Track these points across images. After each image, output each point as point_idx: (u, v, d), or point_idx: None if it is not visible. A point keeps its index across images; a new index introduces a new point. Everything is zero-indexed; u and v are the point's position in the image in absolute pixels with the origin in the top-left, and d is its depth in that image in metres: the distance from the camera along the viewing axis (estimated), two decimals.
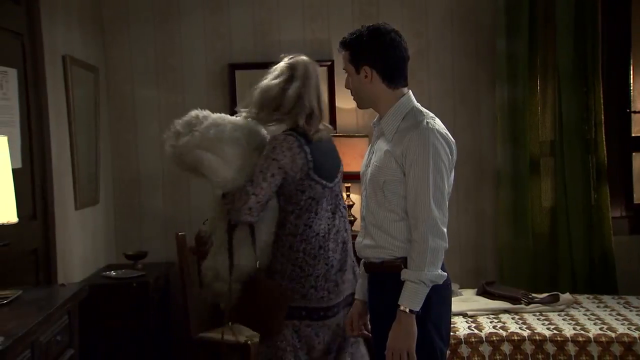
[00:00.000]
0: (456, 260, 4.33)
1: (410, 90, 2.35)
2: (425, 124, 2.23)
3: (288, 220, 2.81)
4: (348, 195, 4.27)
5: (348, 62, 2.34)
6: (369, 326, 2.46)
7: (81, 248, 3.80)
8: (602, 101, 4.22)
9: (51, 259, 3.35)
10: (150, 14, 4.39)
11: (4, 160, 2.09)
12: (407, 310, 2.16)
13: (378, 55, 2.29)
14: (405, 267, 2.22)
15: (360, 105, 2.41)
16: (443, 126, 2.29)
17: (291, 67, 2.86)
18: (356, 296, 2.51)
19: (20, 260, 3.08)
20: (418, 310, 2.17)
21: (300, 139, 2.80)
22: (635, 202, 4.45)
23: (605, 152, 4.22)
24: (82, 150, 3.83)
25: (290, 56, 2.91)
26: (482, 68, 4.42)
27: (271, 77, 2.87)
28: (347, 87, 2.40)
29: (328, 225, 2.83)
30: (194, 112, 2.92)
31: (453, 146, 2.28)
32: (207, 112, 2.95)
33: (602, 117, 4.22)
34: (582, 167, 4.24)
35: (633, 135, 4.45)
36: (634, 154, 4.45)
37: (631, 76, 4.43)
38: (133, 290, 3.73)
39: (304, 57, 2.91)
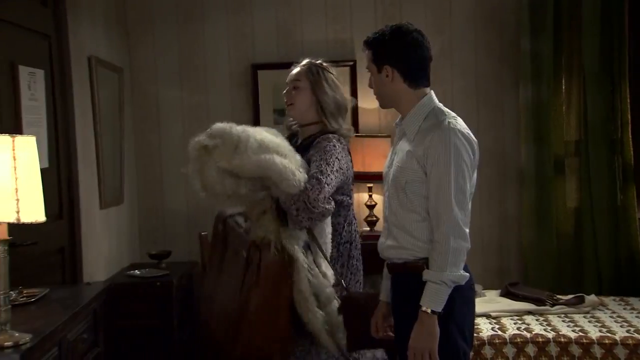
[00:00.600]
0: (479, 260, 4.30)
1: (432, 91, 2.34)
2: (446, 123, 2.22)
3: (342, 227, 2.78)
4: (370, 196, 4.27)
5: (370, 61, 2.34)
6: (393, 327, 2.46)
7: (106, 247, 3.84)
8: (628, 101, 4.16)
9: (77, 257, 3.40)
10: (174, 15, 4.42)
11: (33, 160, 2.11)
12: (429, 310, 2.16)
13: (399, 55, 2.29)
14: (428, 267, 2.21)
15: (382, 105, 2.40)
16: (465, 126, 2.28)
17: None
18: (380, 297, 2.50)
19: (47, 259, 3.13)
20: (440, 311, 2.16)
21: (344, 142, 2.81)
22: None
23: (631, 152, 4.16)
24: (107, 150, 3.87)
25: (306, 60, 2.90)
26: (506, 67, 4.38)
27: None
28: (370, 86, 2.40)
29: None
30: (220, 125, 2.66)
31: (475, 146, 2.27)
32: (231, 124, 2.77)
33: (629, 117, 4.16)
34: (608, 167, 4.19)
35: None
36: None
37: None
38: (157, 290, 3.76)
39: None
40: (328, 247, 2.69)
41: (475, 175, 2.28)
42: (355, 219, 2.90)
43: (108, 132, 3.91)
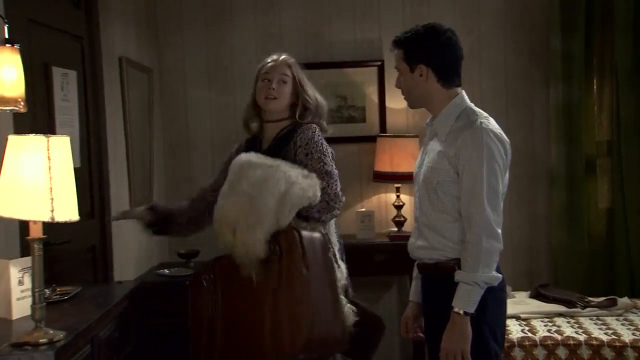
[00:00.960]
0: (508, 262, 4.25)
1: (463, 90, 2.32)
2: (478, 123, 2.21)
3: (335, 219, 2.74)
4: (398, 196, 4.25)
5: (402, 60, 2.32)
6: (423, 328, 2.45)
7: (136, 246, 3.88)
8: None
9: (107, 256, 3.44)
10: (203, 16, 4.45)
11: (67, 160, 2.14)
12: (461, 312, 2.14)
13: (434, 55, 2.28)
14: (459, 268, 2.19)
15: (411, 105, 2.39)
16: (497, 126, 2.26)
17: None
18: (410, 298, 2.49)
19: (78, 258, 3.17)
20: (472, 312, 2.14)
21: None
22: None
23: None
24: (137, 150, 3.91)
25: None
26: (536, 67, 4.34)
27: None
28: (397, 86, 2.38)
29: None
30: (219, 209, 2.50)
31: (507, 146, 2.25)
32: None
33: None
34: None
35: None
36: None
37: None
38: (185, 289, 3.77)
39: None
40: (335, 240, 2.70)
41: (507, 175, 2.27)
42: None
43: (138, 132, 3.95)
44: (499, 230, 2.19)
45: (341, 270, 2.64)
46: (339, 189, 2.57)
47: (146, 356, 3.62)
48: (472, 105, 2.32)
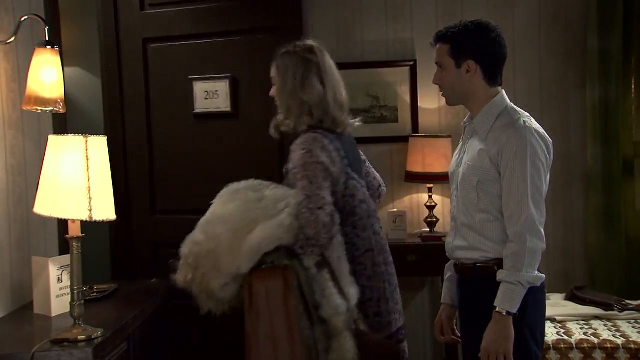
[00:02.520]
0: (543, 263, 4.15)
1: (503, 90, 2.30)
2: (522, 122, 2.19)
3: (355, 237, 2.40)
4: (430, 197, 4.23)
5: (447, 55, 2.28)
6: (457, 331, 2.43)
7: None
8: None
9: None
10: None
11: (104, 160, 2.18)
12: (504, 312, 2.12)
13: (484, 51, 2.25)
14: (499, 268, 2.17)
15: (451, 102, 2.36)
16: (539, 125, 2.24)
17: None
18: (442, 300, 2.47)
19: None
20: (515, 312, 2.12)
21: (328, 135, 2.43)
22: None
23: None
24: None
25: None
26: (572, 66, 4.27)
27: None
28: (436, 82, 2.34)
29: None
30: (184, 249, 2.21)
31: (550, 146, 2.23)
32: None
33: None
34: None
35: None
36: None
37: None
38: None
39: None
40: (343, 261, 2.29)
41: (548, 175, 2.24)
42: (375, 218, 2.51)
43: None
44: (542, 230, 2.17)
45: (345, 299, 2.21)
46: (320, 227, 2.15)
47: (182, 353, 3.66)
48: (512, 104, 2.29)
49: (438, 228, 4.24)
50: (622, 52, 4.05)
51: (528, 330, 2.19)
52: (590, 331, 3.28)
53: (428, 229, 4.22)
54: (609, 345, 3.12)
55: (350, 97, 4.31)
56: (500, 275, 2.15)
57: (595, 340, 3.15)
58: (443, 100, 4.35)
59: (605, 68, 4.08)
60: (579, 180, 4.30)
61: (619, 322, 3.42)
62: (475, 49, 2.24)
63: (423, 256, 4.09)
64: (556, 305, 3.65)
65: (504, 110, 2.25)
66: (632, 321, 3.45)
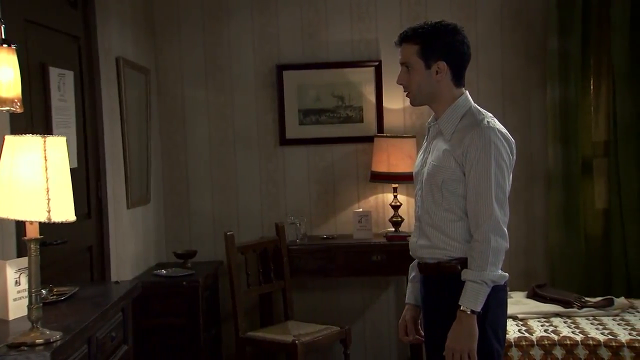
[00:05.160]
0: (505, 262, 4.23)
1: (467, 90, 2.32)
2: (485, 123, 2.21)
3: None
4: (395, 196, 4.25)
5: (416, 55, 2.25)
6: (421, 331, 2.44)
7: (133, 246, 3.88)
8: None
9: (105, 256, 3.44)
10: (200, 16, 4.45)
11: (64, 160, 2.13)
12: (469, 310, 2.14)
13: (455, 51, 2.25)
14: (462, 267, 2.19)
15: (415, 102, 2.33)
16: (502, 126, 2.26)
17: None
18: (407, 301, 2.47)
19: (75, 258, 3.17)
20: (479, 310, 2.14)
21: None
22: None
23: None
24: (134, 151, 3.91)
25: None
26: (533, 67, 4.34)
27: None
28: (400, 82, 2.32)
29: None
30: None
31: (513, 146, 2.25)
32: None
33: None
34: (637, 168, 4.13)
35: None
36: None
37: None
38: (183, 289, 3.78)
39: None
40: None
41: (511, 175, 2.26)
42: None
43: (135, 133, 3.95)
44: (505, 229, 2.19)
45: None
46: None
47: (143, 356, 3.62)
48: (476, 105, 2.31)
49: (403, 228, 4.27)
50: (580, 53, 4.13)
51: (490, 328, 2.21)
52: (551, 328, 3.33)
53: (393, 229, 4.24)
54: (568, 342, 3.17)
55: (316, 97, 4.42)
56: (465, 274, 2.17)
57: (556, 337, 3.21)
58: (408, 101, 4.39)
59: (565, 69, 4.16)
60: (540, 179, 4.37)
61: (578, 319, 3.49)
62: (446, 50, 2.25)
63: (388, 256, 4.11)
64: (518, 303, 3.71)
65: (468, 110, 2.27)
66: (591, 318, 3.52)
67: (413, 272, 2.46)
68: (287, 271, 4.07)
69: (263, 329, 3.97)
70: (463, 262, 2.21)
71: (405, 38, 2.29)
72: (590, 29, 4.16)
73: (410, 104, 2.38)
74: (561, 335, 3.23)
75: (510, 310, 3.50)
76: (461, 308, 2.15)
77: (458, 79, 2.28)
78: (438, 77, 2.26)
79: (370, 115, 4.41)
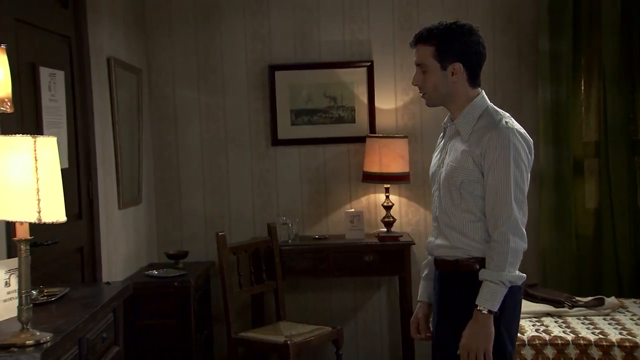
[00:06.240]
0: None
1: (483, 90, 2.31)
2: (504, 123, 2.20)
3: None
4: (387, 197, 4.26)
5: (431, 57, 2.25)
6: (431, 328, 2.44)
7: (124, 247, 3.87)
8: None
9: (96, 257, 3.42)
10: (192, 16, 4.44)
11: (54, 161, 2.13)
12: (486, 310, 2.13)
13: (472, 53, 2.25)
14: (480, 267, 2.19)
15: (432, 103, 2.32)
16: (520, 126, 2.26)
17: None
18: (419, 298, 2.47)
19: (66, 259, 3.15)
20: (496, 310, 2.14)
21: None
22: None
23: None
24: (125, 151, 3.90)
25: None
26: (525, 68, 4.35)
27: None
28: (416, 83, 2.31)
29: None
30: None
31: (531, 146, 2.25)
32: None
33: None
34: (628, 168, 4.16)
35: None
36: None
37: None
38: (174, 289, 3.78)
39: None
40: None
41: (529, 175, 2.25)
42: None
43: (126, 133, 3.94)
44: (524, 230, 2.19)
45: None
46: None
47: (135, 357, 3.61)
48: (493, 105, 2.30)
49: (395, 228, 4.27)
50: (571, 54, 4.16)
51: (505, 329, 2.21)
52: (542, 328, 3.35)
53: (385, 229, 4.25)
54: (559, 342, 3.19)
55: (308, 98, 4.42)
56: (483, 274, 2.16)
57: (547, 337, 3.22)
58: (400, 101, 4.46)
59: (556, 69, 4.18)
60: (532, 179, 4.36)
61: (569, 319, 3.50)
62: (461, 51, 2.23)
63: (380, 256, 4.12)
64: None
65: (485, 110, 2.26)
66: (582, 317, 3.53)
67: (426, 270, 2.46)
68: (279, 271, 4.07)
69: (255, 329, 3.96)
70: (481, 261, 2.20)
71: (421, 39, 2.27)
72: (580, 31, 4.18)
73: (426, 104, 2.36)
74: (552, 334, 3.24)
75: None
76: (478, 308, 2.14)
77: (474, 79, 2.27)
78: (454, 78, 2.25)
79: (362, 115, 4.41)
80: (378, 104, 4.41)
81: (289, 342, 3.58)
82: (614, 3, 4.10)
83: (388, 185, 4.25)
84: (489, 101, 2.30)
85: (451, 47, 2.23)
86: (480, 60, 2.27)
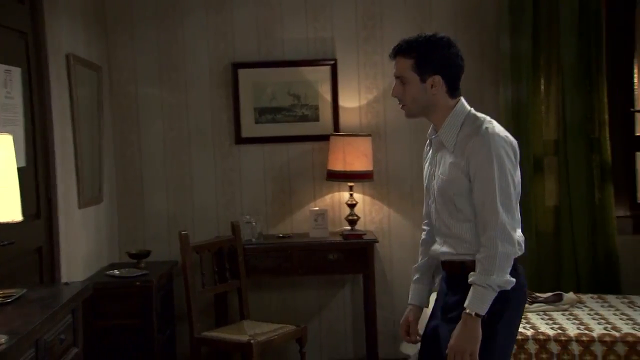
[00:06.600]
0: None
1: (462, 97, 2.33)
2: (484, 129, 2.22)
3: None
4: (351, 195, 4.27)
5: (411, 70, 2.27)
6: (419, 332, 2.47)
7: (84, 247, 3.81)
8: (606, 100, 4.21)
9: (55, 257, 3.36)
10: (153, 13, 4.38)
11: (9, 159, 2.09)
12: (473, 313, 2.16)
13: (449, 65, 2.27)
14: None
15: (411, 114, 2.35)
16: (502, 128, 2.28)
17: None
18: (410, 301, 2.50)
19: (24, 259, 3.09)
20: (484, 314, 2.17)
21: None
22: (639, 201, 4.44)
23: (609, 151, 4.21)
24: (86, 149, 3.84)
25: None
26: (487, 67, 4.40)
27: None
28: (395, 95, 2.33)
29: None
30: None
31: (515, 146, 2.27)
32: None
33: (606, 117, 4.21)
34: (586, 166, 4.23)
35: (637, 134, 4.44)
36: (637, 153, 4.44)
37: (635, 75, 4.41)
38: (136, 289, 3.73)
39: None
40: None
41: (518, 173, 2.27)
42: None
43: (86, 131, 3.87)
44: (514, 234, 2.20)
45: None
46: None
47: (96, 358, 3.56)
48: (473, 110, 2.32)
49: (359, 226, 4.29)
50: (531, 53, 4.22)
51: (506, 327, 2.24)
52: None
53: (349, 227, 4.26)
54: (519, 337, 3.22)
55: (272, 96, 4.40)
56: (472, 277, 2.19)
57: None
58: (364, 99, 4.47)
59: (517, 69, 4.23)
60: None
61: (529, 314, 3.56)
62: (440, 64, 2.26)
63: (344, 254, 4.13)
64: None
65: (466, 118, 2.28)
66: (541, 313, 3.59)
67: (417, 274, 2.49)
68: (242, 270, 4.05)
69: (218, 329, 3.94)
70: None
71: (400, 51, 2.29)
72: (540, 30, 4.25)
73: (406, 116, 2.38)
74: None
75: None
76: (467, 311, 2.17)
77: (453, 91, 2.30)
78: (433, 90, 2.27)
79: (326, 113, 4.42)
80: (342, 102, 4.42)
81: (252, 341, 3.57)
82: (572, 4, 4.17)
83: (352, 184, 4.27)
84: (468, 107, 2.32)
85: (430, 60, 2.26)
86: (459, 72, 2.30)
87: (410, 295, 2.50)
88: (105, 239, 4.20)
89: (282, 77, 4.39)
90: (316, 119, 4.42)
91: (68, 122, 3.63)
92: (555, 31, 4.24)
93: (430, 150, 2.40)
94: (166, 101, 4.42)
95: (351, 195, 4.27)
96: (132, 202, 4.42)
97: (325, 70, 4.40)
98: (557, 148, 4.31)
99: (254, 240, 4.19)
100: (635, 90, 4.41)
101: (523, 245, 2.27)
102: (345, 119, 4.42)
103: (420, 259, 2.50)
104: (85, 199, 3.78)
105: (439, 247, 2.35)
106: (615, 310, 3.65)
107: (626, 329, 3.31)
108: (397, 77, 2.31)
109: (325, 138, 4.33)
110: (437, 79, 2.25)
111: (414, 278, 2.49)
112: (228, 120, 4.42)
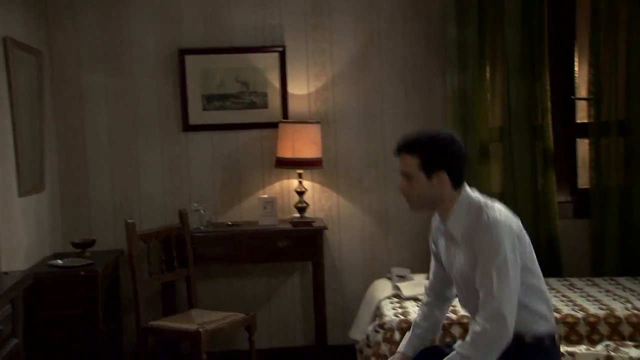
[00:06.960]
0: (408, 246, 4.37)
1: (465, 183, 2.38)
2: (485, 218, 2.27)
3: None
4: (300, 182, 4.26)
5: (417, 168, 2.32)
6: None
7: (25, 236, 3.70)
8: (548, 88, 4.30)
9: None
10: None
11: None
12: None
13: (454, 161, 2.33)
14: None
15: (416, 209, 2.43)
16: (502, 208, 2.33)
17: None
18: (400, 349, 2.54)
19: None
20: None
21: None
22: (580, 186, 4.56)
23: (551, 138, 4.31)
24: (26, 136, 3.72)
25: None
26: (434, 55, 4.44)
27: None
28: (402, 191, 2.39)
29: None
30: None
31: (515, 224, 2.31)
32: None
33: (549, 104, 4.31)
34: (530, 152, 4.32)
35: (577, 121, 4.56)
36: (578, 139, 4.55)
37: (576, 64, 4.52)
38: (81, 279, 3.65)
39: None
40: None
41: (527, 237, 2.36)
42: None
43: (26, 118, 3.75)
44: (510, 317, 2.22)
45: None
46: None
47: (40, 349, 3.48)
48: (474, 195, 2.37)
49: (308, 213, 4.29)
50: (477, 42, 4.27)
51: None
52: (451, 308, 3.43)
53: (298, 215, 4.25)
54: (465, 320, 3.28)
55: (219, 83, 4.35)
56: (457, 345, 2.29)
57: (454, 317, 3.32)
58: (312, 87, 4.45)
59: (462, 57, 4.28)
60: None
61: None
62: (446, 161, 2.32)
63: (294, 241, 4.13)
64: (419, 285, 3.80)
65: (469, 205, 2.33)
66: None
67: (419, 330, 2.54)
68: (190, 259, 4.01)
69: (166, 318, 3.89)
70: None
71: (404, 149, 2.35)
72: (486, 19, 4.30)
73: (410, 209, 2.45)
74: (459, 314, 3.35)
75: (412, 292, 3.68)
76: None
77: (457, 184, 2.35)
78: (438, 185, 2.33)
79: (274, 101, 4.39)
80: (290, 89, 4.40)
81: (200, 329, 3.53)
82: None
83: (301, 171, 4.26)
84: (470, 192, 2.38)
85: (436, 159, 2.32)
86: (463, 167, 2.36)
87: (403, 343, 2.56)
88: (48, 228, 4.09)
89: (230, 63, 4.34)
90: (265, 106, 4.39)
91: (6, 108, 3.51)
92: (500, 20, 4.31)
93: (441, 234, 2.47)
94: (111, 87, 4.32)
95: (300, 182, 4.27)
96: (76, 191, 4.31)
97: (274, 57, 4.37)
98: (502, 135, 4.39)
99: (202, 228, 4.14)
100: (576, 78, 4.52)
101: (551, 318, 2.37)
102: (294, 106, 4.40)
103: (420, 318, 2.57)
104: (25, 187, 3.67)
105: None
106: (556, 292, 3.75)
107: (566, 310, 3.41)
108: (402, 174, 2.37)
109: (274, 125, 4.31)
110: (443, 175, 2.32)
111: (416, 332, 2.55)
112: (175, 108, 4.35)
